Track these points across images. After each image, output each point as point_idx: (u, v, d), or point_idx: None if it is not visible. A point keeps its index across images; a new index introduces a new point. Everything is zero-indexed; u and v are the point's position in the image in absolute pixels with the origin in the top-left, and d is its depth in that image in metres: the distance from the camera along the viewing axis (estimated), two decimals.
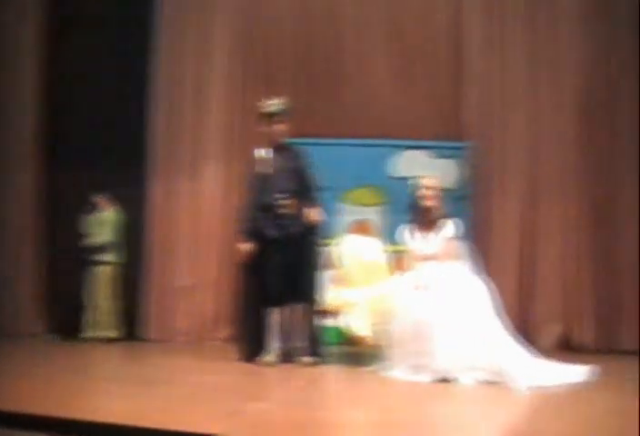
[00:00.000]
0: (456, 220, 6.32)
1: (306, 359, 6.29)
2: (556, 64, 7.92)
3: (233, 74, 8.24)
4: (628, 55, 7.80)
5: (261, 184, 6.40)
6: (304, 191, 6.45)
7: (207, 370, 6.21)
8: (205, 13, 8.27)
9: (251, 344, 6.46)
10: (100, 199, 8.16)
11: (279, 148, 6.51)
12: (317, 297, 6.50)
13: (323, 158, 6.85)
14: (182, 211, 8.17)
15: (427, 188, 6.23)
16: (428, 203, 6.19)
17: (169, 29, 8.25)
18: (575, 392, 5.30)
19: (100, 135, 8.19)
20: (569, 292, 7.71)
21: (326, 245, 6.70)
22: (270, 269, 6.34)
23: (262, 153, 6.49)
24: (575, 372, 5.74)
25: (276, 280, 6.32)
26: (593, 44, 7.89)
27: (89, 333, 7.99)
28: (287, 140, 6.56)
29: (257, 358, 6.29)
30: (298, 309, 6.41)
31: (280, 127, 6.45)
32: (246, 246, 6.41)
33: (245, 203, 6.62)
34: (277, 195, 6.35)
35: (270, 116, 6.42)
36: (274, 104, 6.46)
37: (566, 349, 7.60)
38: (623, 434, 4.03)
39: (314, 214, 6.36)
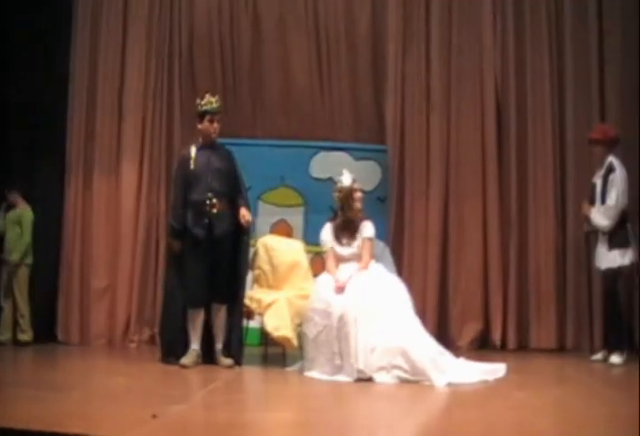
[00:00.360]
0: (375, 221, 6.40)
1: (228, 360, 6.26)
2: (475, 66, 8.05)
3: (154, 73, 8.13)
4: (543, 59, 7.98)
5: (191, 182, 6.34)
6: (233, 191, 6.44)
7: (126, 372, 6.14)
8: (126, 9, 8.14)
9: (171, 345, 6.41)
10: (17, 197, 7.97)
11: (211, 147, 6.48)
12: (240, 298, 6.48)
13: (243, 158, 6.83)
14: (99, 210, 8.03)
15: (355, 190, 6.32)
16: (357, 204, 6.28)
17: (88, 28, 8.09)
18: (490, 389, 5.43)
19: (18, 134, 8.00)
20: (489, 291, 7.85)
21: (250, 246, 6.69)
22: (195, 268, 6.28)
23: (193, 150, 6.44)
24: (492, 370, 5.87)
25: (200, 280, 6.27)
26: (509, 47, 8.04)
27: (5, 336, 7.78)
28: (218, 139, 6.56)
29: (178, 359, 6.22)
30: (221, 309, 6.38)
31: (213, 126, 6.43)
32: (175, 244, 6.37)
33: (172, 200, 6.57)
34: (207, 194, 6.31)
35: (208, 114, 6.40)
36: (214, 101, 6.44)
37: (485, 347, 7.75)
38: (524, 428, 4.17)
39: (246, 214, 6.36)
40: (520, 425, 4.26)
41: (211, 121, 6.41)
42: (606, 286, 6.96)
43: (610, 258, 6.83)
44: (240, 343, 6.44)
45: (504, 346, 7.73)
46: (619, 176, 6.84)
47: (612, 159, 6.94)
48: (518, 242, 7.88)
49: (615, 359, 6.66)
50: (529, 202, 7.93)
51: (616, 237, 6.83)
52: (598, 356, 6.89)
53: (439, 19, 8.06)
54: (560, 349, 7.69)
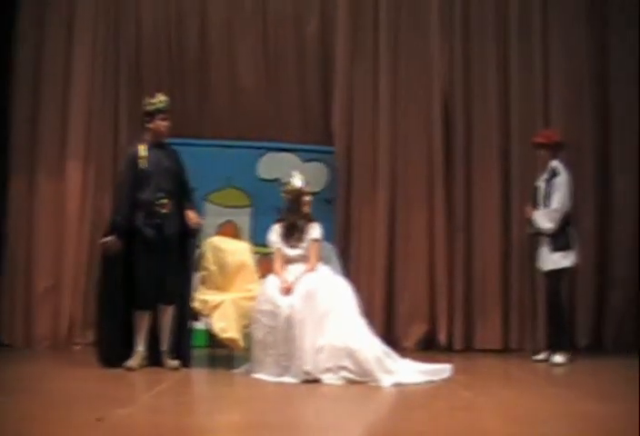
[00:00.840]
0: (322, 222, 6.42)
1: (174, 362, 6.21)
2: (423, 70, 8.11)
3: (100, 72, 8.01)
4: (490, 64, 8.08)
5: (141, 182, 6.27)
6: (181, 191, 6.41)
7: (71, 375, 6.04)
8: (72, 8, 8.02)
9: (115, 348, 6.31)
10: None
11: (160, 146, 6.43)
12: (187, 299, 6.44)
13: (189, 158, 6.78)
14: (44, 211, 7.90)
15: (304, 194, 6.33)
16: (305, 208, 6.30)
17: (33, 28, 7.95)
18: (436, 390, 5.48)
19: None
20: (435, 293, 7.92)
21: (197, 247, 6.65)
22: (146, 270, 6.22)
23: (142, 149, 6.38)
24: (438, 371, 5.92)
25: (147, 280, 6.22)
26: (456, 51, 8.12)
27: None
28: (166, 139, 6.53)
29: (122, 362, 6.15)
30: (167, 311, 6.33)
31: (165, 124, 6.40)
32: (115, 243, 6.29)
33: (119, 198, 6.43)
34: (157, 194, 6.27)
35: (156, 113, 6.36)
36: (161, 100, 6.40)
37: (431, 348, 7.82)
38: (471, 428, 4.22)
39: (195, 217, 6.34)
40: (466, 424, 4.31)
41: (163, 119, 6.39)
42: (549, 287, 7.08)
43: (553, 260, 6.96)
44: (188, 345, 6.39)
45: (449, 347, 7.80)
46: (563, 180, 6.97)
47: (556, 163, 7.07)
48: (464, 244, 7.96)
49: (558, 358, 6.77)
50: (475, 205, 8.02)
51: (559, 240, 6.96)
52: (541, 356, 7.01)
53: (388, 22, 8.10)
54: (504, 349, 7.79)
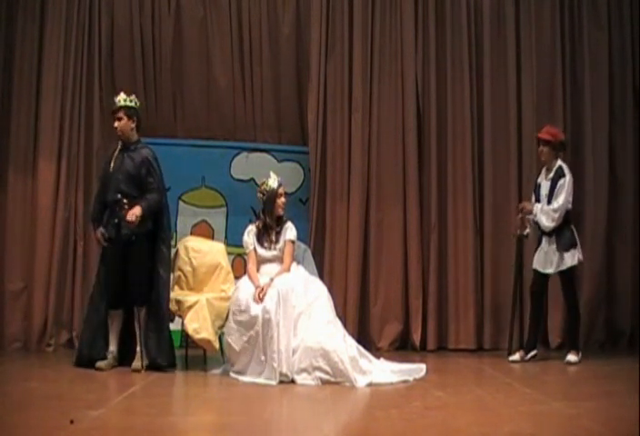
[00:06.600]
0: (296, 223, 6.42)
1: (136, 364, 6.16)
2: (396, 69, 8.12)
3: (72, 70, 7.92)
4: (463, 62, 8.10)
5: (105, 182, 6.34)
6: (140, 193, 6.37)
7: (43, 377, 6.00)
8: (44, 4, 7.95)
9: (88, 348, 6.29)
10: None
11: (126, 147, 6.42)
12: (159, 300, 6.41)
13: (163, 158, 6.74)
14: (15, 210, 7.80)
15: (279, 195, 6.31)
16: (279, 211, 6.29)
17: (3, 22, 7.84)
18: (410, 389, 5.50)
19: None
20: (409, 293, 7.92)
21: (168, 247, 6.60)
22: (108, 269, 6.27)
23: (115, 151, 6.41)
24: (412, 370, 5.94)
25: (114, 280, 6.24)
26: (430, 49, 8.11)
27: None
28: (136, 138, 6.52)
29: (95, 363, 6.12)
30: (140, 312, 6.29)
31: (116, 124, 6.39)
32: (94, 237, 6.40)
33: (94, 199, 6.64)
34: (115, 195, 6.26)
35: (115, 112, 6.36)
36: (122, 99, 6.39)
37: (405, 348, 7.82)
38: (444, 427, 4.25)
39: (133, 213, 6.18)
40: (440, 424, 4.33)
41: (116, 118, 6.40)
42: (565, 288, 6.96)
43: (561, 260, 6.85)
44: (161, 346, 6.33)
45: (423, 347, 7.81)
46: (569, 181, 6.91)
47: (561, 163, 7.03)
48: (438, 244, 7.97)
49: (572, 357, 6.79)
50: (448, 205, 8.02)
51: (565, 239, 6.87)
52: (516, 357, 7.00)
53: (362, 21, 8.09)
54: (478, 349, 7.82)
